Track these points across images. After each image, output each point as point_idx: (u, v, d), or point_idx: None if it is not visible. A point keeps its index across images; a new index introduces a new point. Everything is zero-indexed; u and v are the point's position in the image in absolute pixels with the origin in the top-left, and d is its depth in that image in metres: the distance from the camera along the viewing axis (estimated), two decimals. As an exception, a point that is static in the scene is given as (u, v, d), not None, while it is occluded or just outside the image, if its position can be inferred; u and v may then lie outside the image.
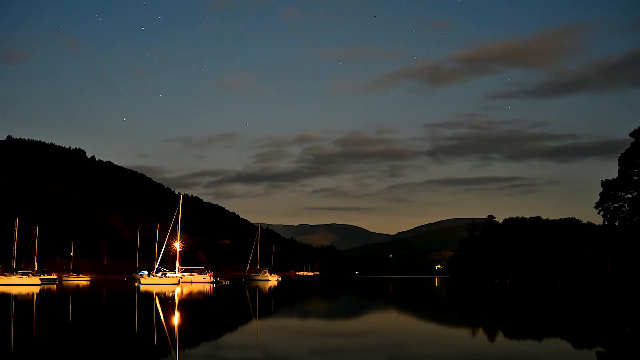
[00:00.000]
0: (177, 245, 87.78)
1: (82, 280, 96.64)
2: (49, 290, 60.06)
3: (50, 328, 21.85)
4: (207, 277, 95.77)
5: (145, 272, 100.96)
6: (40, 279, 76.39)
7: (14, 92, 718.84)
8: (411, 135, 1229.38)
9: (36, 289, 59.57)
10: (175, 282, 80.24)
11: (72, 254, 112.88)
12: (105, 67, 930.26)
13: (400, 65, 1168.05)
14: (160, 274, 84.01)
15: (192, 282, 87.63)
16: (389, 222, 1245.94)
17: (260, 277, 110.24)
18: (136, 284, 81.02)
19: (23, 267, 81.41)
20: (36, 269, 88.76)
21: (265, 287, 73.08)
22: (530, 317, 30.13)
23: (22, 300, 40.81)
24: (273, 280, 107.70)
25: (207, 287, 71.85)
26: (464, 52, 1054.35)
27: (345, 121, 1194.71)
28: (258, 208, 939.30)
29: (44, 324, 23.18)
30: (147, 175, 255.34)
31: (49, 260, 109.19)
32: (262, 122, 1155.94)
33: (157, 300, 41.81)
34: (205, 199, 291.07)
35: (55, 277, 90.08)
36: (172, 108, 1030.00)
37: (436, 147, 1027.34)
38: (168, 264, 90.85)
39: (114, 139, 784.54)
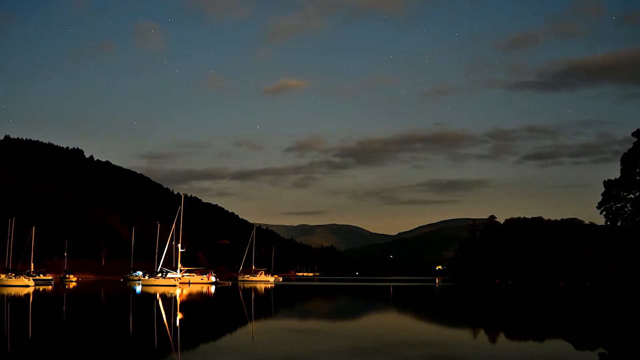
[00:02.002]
0: (179, 245, 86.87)
1: (70, 281, 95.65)
2: (45, 291, 59.31)
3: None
4: (206, 278, 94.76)
5: (140, 273, 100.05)
6: (34, 280, 75.06)
7: (11, 90, 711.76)
8: (470, 124, 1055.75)
9: (24, 290, 57.72)
10: (174, 284, 78.86)
11: (65, 254, 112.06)
12: (111, 67, 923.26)
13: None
14: (161, 274, 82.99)
15: (189, 283, 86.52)
16: (388, 222, 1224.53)
17: (257, 278, 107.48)
18: (135, 284, 79.97)
19: (20, 268, 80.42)
20: (32, 269, 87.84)
21: (261, 289, 70.09)
22: (532, 318, 29.75)
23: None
24: (271, 281, 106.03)
25: (205, 288, 70.92)
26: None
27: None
28: (261, 207, 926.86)
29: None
30: (152, 176, 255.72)
31: (47, 261, 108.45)
32: (290, 116, 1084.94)
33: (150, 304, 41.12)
34: (222, 195, 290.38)
35: (51, 277, 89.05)
36: (180, 107, 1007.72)
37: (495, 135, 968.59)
38: (167, 265, 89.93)
39: (121, 140, 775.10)
